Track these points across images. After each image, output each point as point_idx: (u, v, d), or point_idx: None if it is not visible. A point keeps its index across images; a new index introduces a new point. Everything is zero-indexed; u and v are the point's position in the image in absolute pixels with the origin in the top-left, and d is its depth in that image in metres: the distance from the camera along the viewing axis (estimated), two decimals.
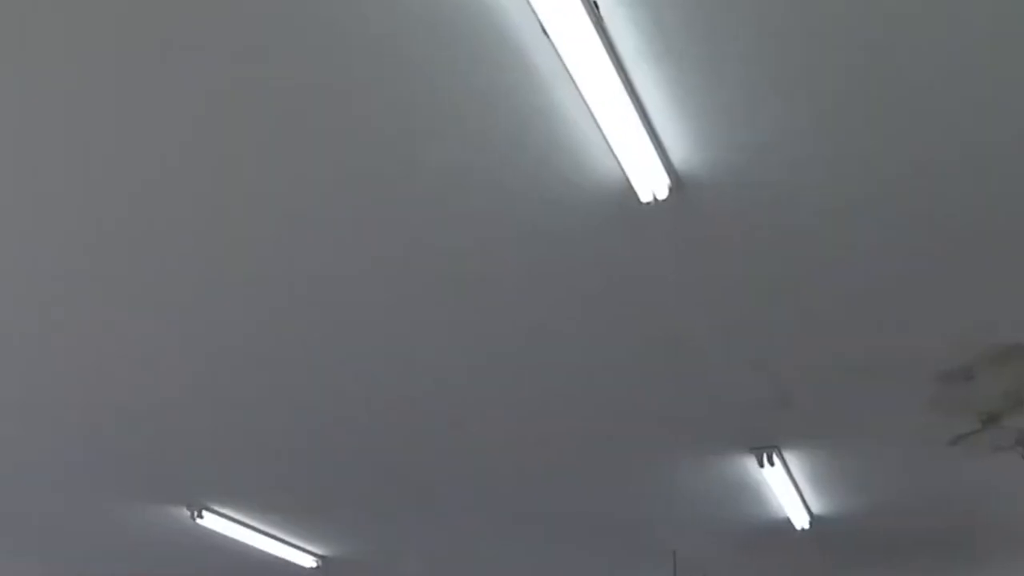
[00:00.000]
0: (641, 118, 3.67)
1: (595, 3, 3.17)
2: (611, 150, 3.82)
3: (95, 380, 5.93)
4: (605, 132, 3.73)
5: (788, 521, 8.16)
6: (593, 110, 3.61)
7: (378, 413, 6.34)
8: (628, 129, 3.71)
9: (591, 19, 3.19)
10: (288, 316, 5.20)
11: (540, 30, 3.22)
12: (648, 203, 4.10)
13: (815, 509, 8.12)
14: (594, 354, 5.57)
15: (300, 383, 5.95)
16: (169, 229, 4.46)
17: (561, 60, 3.37)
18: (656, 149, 3.83)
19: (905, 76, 3.56)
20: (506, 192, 4.18)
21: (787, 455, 7.04)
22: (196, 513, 7.91)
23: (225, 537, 8.41)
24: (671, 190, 4.03)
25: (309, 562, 9.16)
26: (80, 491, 7.95)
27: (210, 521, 8.04)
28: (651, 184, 4.00)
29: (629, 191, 4.06)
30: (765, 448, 6.84)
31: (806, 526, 8.24)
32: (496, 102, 3.67)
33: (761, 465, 6.91)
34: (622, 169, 3.94)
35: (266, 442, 6.81)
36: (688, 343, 5.43)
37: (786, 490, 7.51)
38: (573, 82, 3.46)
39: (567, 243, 4.53)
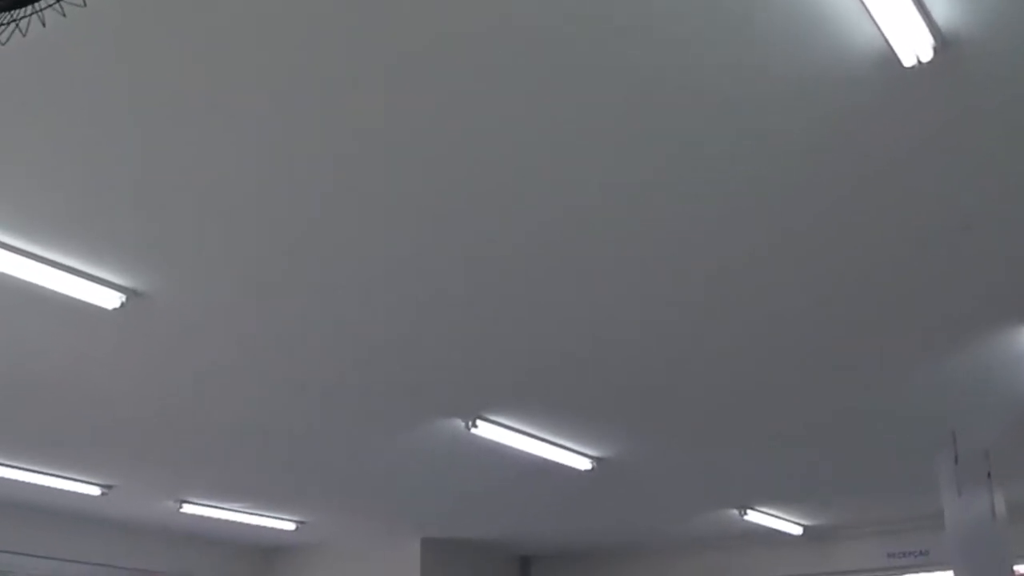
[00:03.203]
0: None
1: None
2: (868, 13, 3.65)
3: (367, 298, 6.10)
4: None
5: None
6: None
7: (650, 315, 6.30)
8: None
9: None
10: (557, 227, 5.20)
11: None
12: (912, 67, 3.92)
13: None
14: (864, 236, 5.37)
15: (570, 292, 5.97)
16: (433, 143, 4.52)
17: None
18: (917, 7, 3.64)
19: None
20: (760, 71, 4.06)
21: None
22: (470, 423, 8.09)
23: (499, 444, 8.59)
24: (936, 51, 3.84)
25: (584, 464, 9.27)
26: (356, 411, 8.24)
27: (484, 430, 8.21)
28: (914, 47, 3.82)
29: (891, 56, 3.88)
30: None
31: None
32: None
33: None
34: (882, 33, 3.76)
35: (539, 351, 6.88)
36: (960, 214, 5.20)
37: None
38: None
39: (830, 118, 4.35)
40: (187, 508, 11.89)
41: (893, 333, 6.67)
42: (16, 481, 10.51)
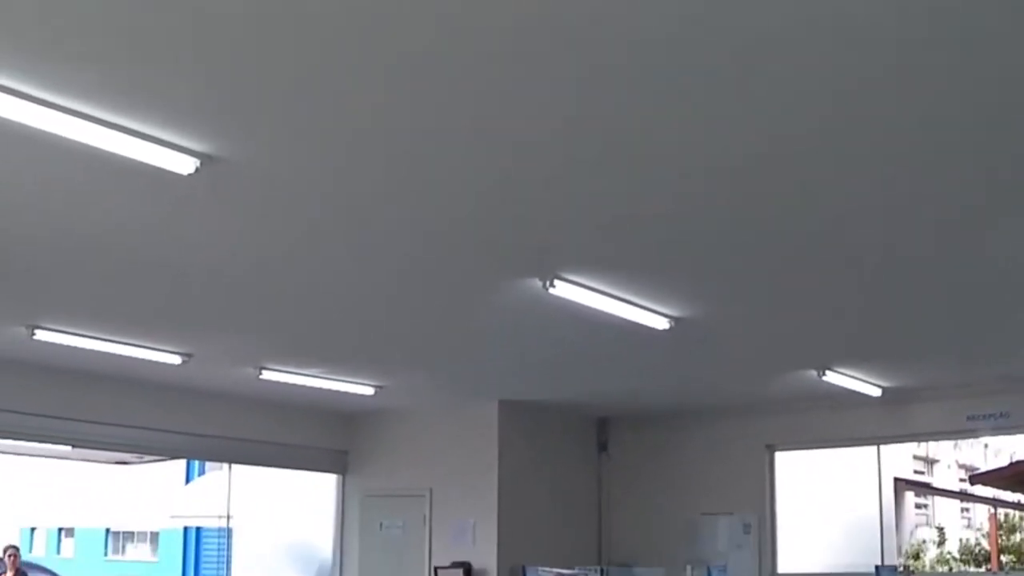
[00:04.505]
0: None
1: None
2: None
3: (445, 159, 6.01)
4: None
5: None
6: None
7: (733, 167, 6.10)
8: None
9: None
10: (630, 75, 5.02)
11: None
12: None
13: None
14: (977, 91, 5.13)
15: (650, 146, 5.80)
16: None
17: None
18: None
19: None
20: None
21: None
22: (548, 283, 8.02)
23: (577, 304, 8.53)
24: None
25: (661, 324, 9.21)
26: (434, 273, 8.22)
27: (562, 290, 8.15)
28: None
29: None
30: None
31: None
32: None
33: None
34: None
35: (619, 207, 6.76)
36: None
37: None
38: None
39: None
40: (266, 375, 12.02)
41: (985, 190, 6.46)
42: (95, 352, 10.67)
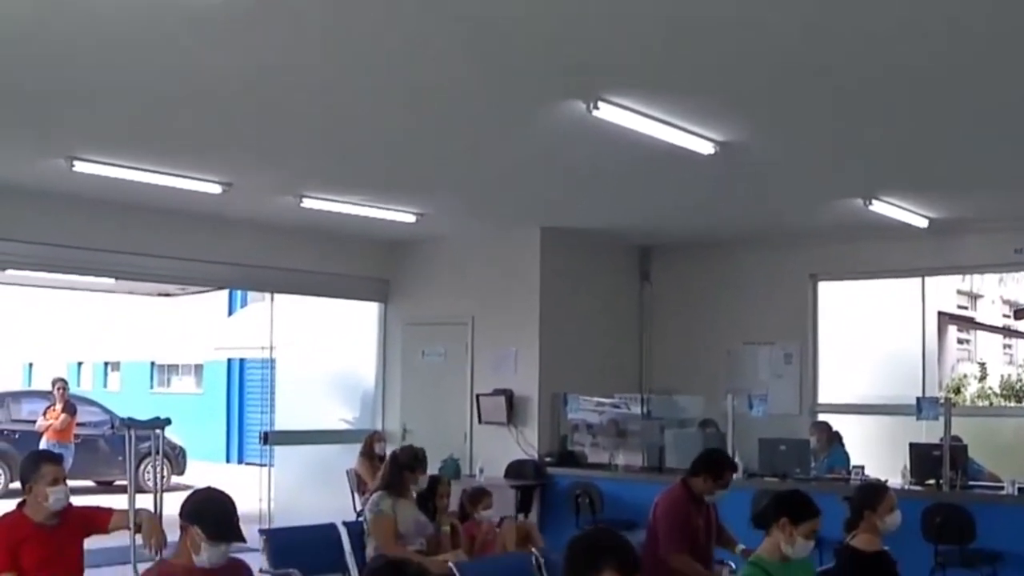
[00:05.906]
0: None
1: None
2: None
3: None
4: None
5: None
6: None
7: None
8: None
9: None
10: None
11: None
12: None
13: None
14: None
15: None
16: None
17: None
18: None
19: None
20: None
21: None
22: (591, 105, 7.84)
23: (620, 127, 8.35)
24: None
25: (706, 148, 9.04)
26: (475, 95, 8.09)
27: (605, 112, 7.97)
28: None
29: None
30: None
31: None
32: None
33: None
34: None
35: (661, 24, 6.53)
36: None
37: None
38: None
39: None
40: (307, 203, 11.97)
41: None
42: (135, 183, 10.65)
